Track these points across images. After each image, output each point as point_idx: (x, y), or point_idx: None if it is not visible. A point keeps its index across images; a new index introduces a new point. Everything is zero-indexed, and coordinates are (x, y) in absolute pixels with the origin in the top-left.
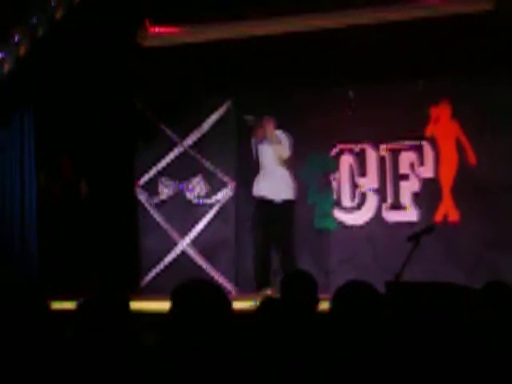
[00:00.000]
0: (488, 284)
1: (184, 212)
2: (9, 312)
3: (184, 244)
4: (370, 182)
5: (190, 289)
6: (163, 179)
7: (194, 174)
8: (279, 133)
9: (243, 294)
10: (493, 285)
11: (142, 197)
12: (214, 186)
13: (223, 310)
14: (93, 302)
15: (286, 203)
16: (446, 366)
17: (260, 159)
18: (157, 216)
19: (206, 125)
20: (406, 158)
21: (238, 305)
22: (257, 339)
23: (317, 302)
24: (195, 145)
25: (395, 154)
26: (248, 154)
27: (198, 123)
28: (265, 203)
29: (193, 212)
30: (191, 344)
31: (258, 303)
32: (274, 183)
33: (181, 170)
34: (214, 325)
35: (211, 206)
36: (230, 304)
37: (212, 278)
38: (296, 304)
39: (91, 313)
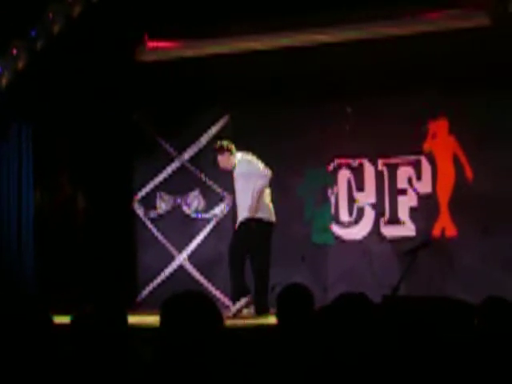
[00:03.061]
0: (487, 299)
1: (181, 226)
2: (11, 325)
3: (181, 258)
4: (367, 197)
5: (178, 301)
6: (161, 193)
7: (192, 189)
8: (239, 156)
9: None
10: (491, 300)
11: (140, 211)
12: (212, 201)
13: (213, 320)
14: (89, 316)
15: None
16: (442, 381)
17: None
18: (154, 230)
19: (204, 139)
20: (404, 173)
21: (234, 319)
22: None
23: (313, 314)
24: (193, 159)
25: (393, 168)
26: None
27: (196, 137)
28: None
29: (190, 226)
30: (182, 356)
31: None
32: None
33: (178, 185)
34: (204, 336)
35: (209, 220)
36: (219, 315)
37: (209, 292)
38: (292, 317)
39: (87, 327)
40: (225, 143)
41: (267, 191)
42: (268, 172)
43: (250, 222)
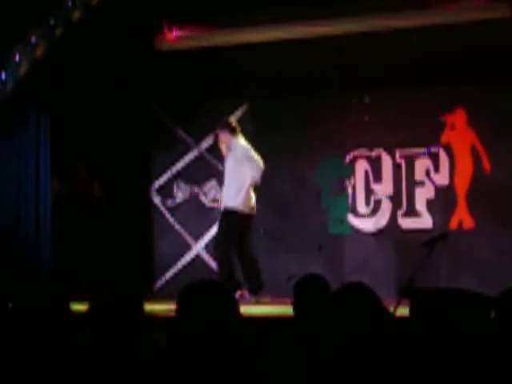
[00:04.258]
0: (504, 291)
1: (198, 215)
2: (29, 314)
3: (198, 247)
4: (385, 189)
5: (194, 290)
6: (178, 183)
7: (209, 178)
8: (241, 141)
9: (258, 299)
10: (509, 292)
11: (157, 200)
12: None
13: (229, 309)
14: (106, 304)
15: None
16: (458, 374)
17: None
18: (171, 219)
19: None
20: (422, 165)
21: (251, 309)
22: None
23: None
24: (210, 148)
25: (410, 160)
26: (263, 158)
27: (214, 127)
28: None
29: (207, 216)
30: (198, 344)
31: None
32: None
33: (196, 174)
34: (220, 325)
35: None
36: (235, 303)
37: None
38: (308, 307)
39: (104, 315)
40: (232, 121)
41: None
42: (262, 165)
43: (231, 214)
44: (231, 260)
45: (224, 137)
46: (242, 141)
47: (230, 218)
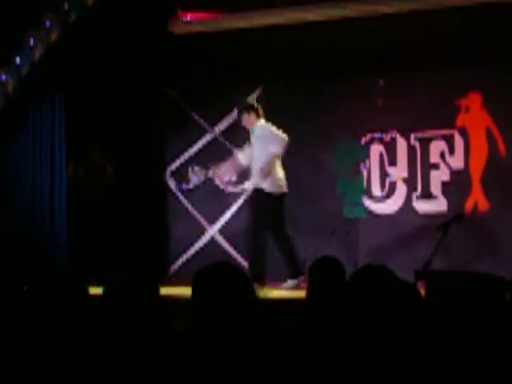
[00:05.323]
0: None
1: (213, 199)
2: (46, 297)
3: (213, 231)
4: (399, 171)
5: (209, 273)
6: (193, 166)
7: (224, 161)
8: (262, 121)
9: (271, 282)
10: None
11: (172, 184)
12: (243, 174)
13: (245, 292)
14: (121, 287)
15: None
16: (473, 356)
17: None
18: (186, 203)
19: (236, 112)
20: (436, 148)
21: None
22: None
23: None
24: (225, 132)
25: (425, 143)
26: None
27: (229, 110)
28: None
29: (222, 199)
30: (214, 328)
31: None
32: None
33: (210, 157)
34: (236, 308)
35: (240, 193)
36: (251, 286)
37: (241, 265)
38: (323, 290)
39: (119, 298)
40: (254, 103)
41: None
42: (286, 138)
43: (264, 196)
44: (265, 244)
45: (248, 119)
46: (262, 121)
47: (263, 199)
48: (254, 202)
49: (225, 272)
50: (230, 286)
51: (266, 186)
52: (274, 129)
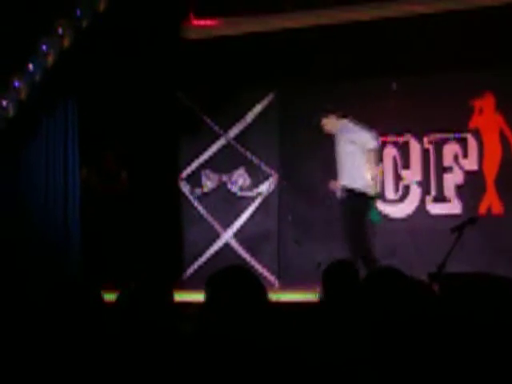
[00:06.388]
0: None
1: (227, 204)
2: (60, 303)
3: (227, 236)
4: (413, 175)
5: (222, 276)
6: (206, 172)
7: (237, 167)
8: (345, 121)
9: (286, 286)
10: None
11: (186, 189)
12: (257, 179)
13: (257, 295)
14: (135, 293)
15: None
16: (486, 358)
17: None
18: (200, 208)
19: (249, 117)
20: (450, 150)
21: (280, 297)
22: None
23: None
24: (238, 137)
25: (439, 146)
26: (291, 146)
27: (241, 115)
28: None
29: (236, 204)
30: (226, 331)
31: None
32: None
33: (224, 163)
34: (248, 311)
35: (254, 198)
36: (263, 289)
37: (255, 269)
38: (338, 293)
39: (134, 304)
40: (328, 106)
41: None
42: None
43: (358, 196)
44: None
45: (331, 123)
46: (345, 120)
47: (358, 200)
48: (349, 203)
49: (237, 276)
50: (242, 290)
51: (359, 185)
52: (361, 128)
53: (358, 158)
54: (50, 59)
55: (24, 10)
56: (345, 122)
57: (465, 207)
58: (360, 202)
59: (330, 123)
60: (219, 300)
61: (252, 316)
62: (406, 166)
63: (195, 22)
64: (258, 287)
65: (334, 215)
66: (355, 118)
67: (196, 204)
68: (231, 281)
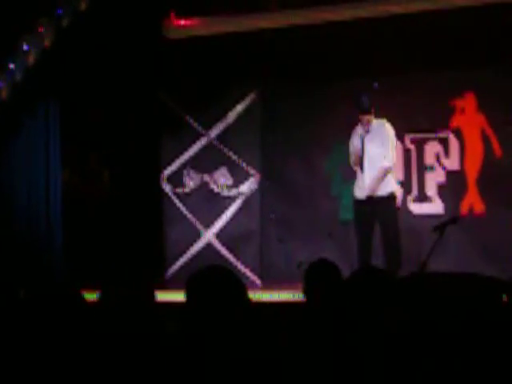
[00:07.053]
0: None
1: (209, 204)
2: (41, 304)
3: (209, 236)
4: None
5: (202, 276)
6: (188, 171)
7: (219, 166)
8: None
9: (268, 286)
10: None
11: (167, 188)
12: (239, 178)
13: (238, 295)
14: (117, 292)
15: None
16: (469, 358)
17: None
18: (182, 208)
19: (231, 116)
20: (431, 150)
21: (262, 297)
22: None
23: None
24: (220, 136)
25: (420, 145)
26: (273, 145)
27: (223, 114)
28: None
29: (217, 204)
30: (206, 331)
31: None
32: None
33: (205, 162)
34: (229, 311)
35: (236, 197)
36: (244, 289)
37: (237, 269)
38: (319, 292)
39: (115, 304)
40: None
41: None
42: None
43: (392, 200)
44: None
45: (369, 116)
46: (376, 120)
47: (392, 203)
48: (381, 206)
49: (217, 275)
50: (222, 290)
51: (394, 188)
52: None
53: (384, 159)
54: (31, 58)
55: (4, 8)
56: (376, 119)
57: (446, 207)
58: (395, 208)
59: (370, 117)
60: (199, 300)
61: (233, 316)
62: None
63: (176, 21)
64: (239, 287)
65: (317, 214)
66: (337, 117)
67: (178, 203)
68: (211, 281)
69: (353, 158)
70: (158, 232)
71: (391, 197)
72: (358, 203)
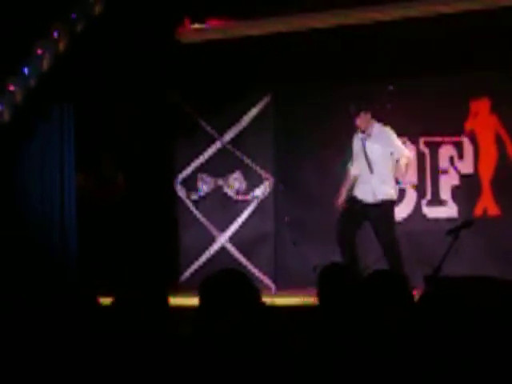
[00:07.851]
0: None
1: (223, 208)
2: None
3: (223, 240)
4: (409, 177)
5: (215, 280)
6: (202, 175)
7: (233, 170)
8: (377, 124)
9: (282, 290)
10: None
11: (181, 193)
12: (253, 182)
13: (251, 299)
14: (131, 297)
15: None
16: (484, 361)
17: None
18: (196, 212)
19: (245, 120)
20: (446, 153)
21: (276, 301)
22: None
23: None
24: (234, 140)
25: (434, 148)
26: (287, 149)
27: (237, 119)
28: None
29: (231, 208)
30: (220, 335)
31: None
32: None
33: (219, 166)
34: (242, 314)
35: (250, 201)
36: (257, 292)
37: (251, 273)
38: (332, 297)
39: (129, 308)
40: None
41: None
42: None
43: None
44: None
45: (364, 119)
46: (379, 125)
47: (391, 209)
48: (380, 211)
49: (230, 279)
50: (235, 294)
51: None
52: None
53: (391, 165)
54: (46, 63)
55: (19, 13)
56: (376, 123)
57: (461, 210)
58: (393, 212)
59: (365, 119)
60: (213, 304)
61: (246, 320)
62: None
63: (191, 26)
64: (252, 290)
65: (331, 218)
66: (353, 121)
67: (192, 208)
68: (224, 285)
69: (358, 163)
70: (172, 236)
71: (386, 203)
72: (353, 201)
